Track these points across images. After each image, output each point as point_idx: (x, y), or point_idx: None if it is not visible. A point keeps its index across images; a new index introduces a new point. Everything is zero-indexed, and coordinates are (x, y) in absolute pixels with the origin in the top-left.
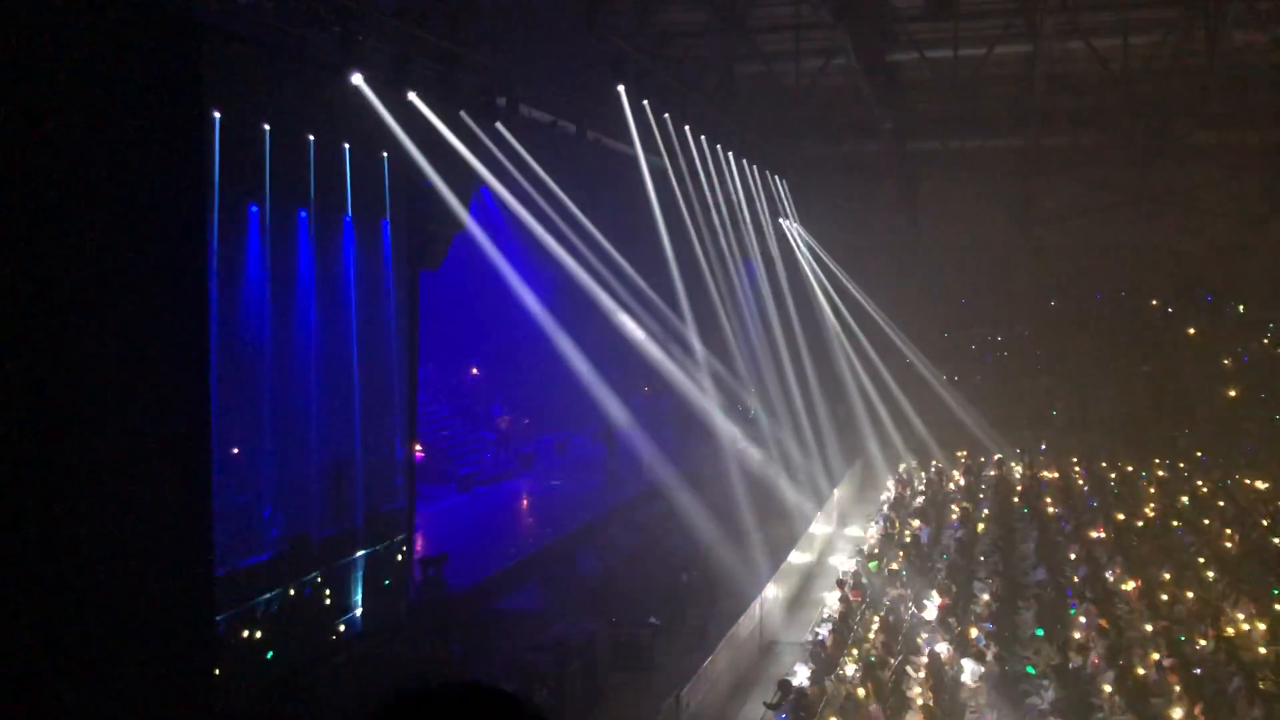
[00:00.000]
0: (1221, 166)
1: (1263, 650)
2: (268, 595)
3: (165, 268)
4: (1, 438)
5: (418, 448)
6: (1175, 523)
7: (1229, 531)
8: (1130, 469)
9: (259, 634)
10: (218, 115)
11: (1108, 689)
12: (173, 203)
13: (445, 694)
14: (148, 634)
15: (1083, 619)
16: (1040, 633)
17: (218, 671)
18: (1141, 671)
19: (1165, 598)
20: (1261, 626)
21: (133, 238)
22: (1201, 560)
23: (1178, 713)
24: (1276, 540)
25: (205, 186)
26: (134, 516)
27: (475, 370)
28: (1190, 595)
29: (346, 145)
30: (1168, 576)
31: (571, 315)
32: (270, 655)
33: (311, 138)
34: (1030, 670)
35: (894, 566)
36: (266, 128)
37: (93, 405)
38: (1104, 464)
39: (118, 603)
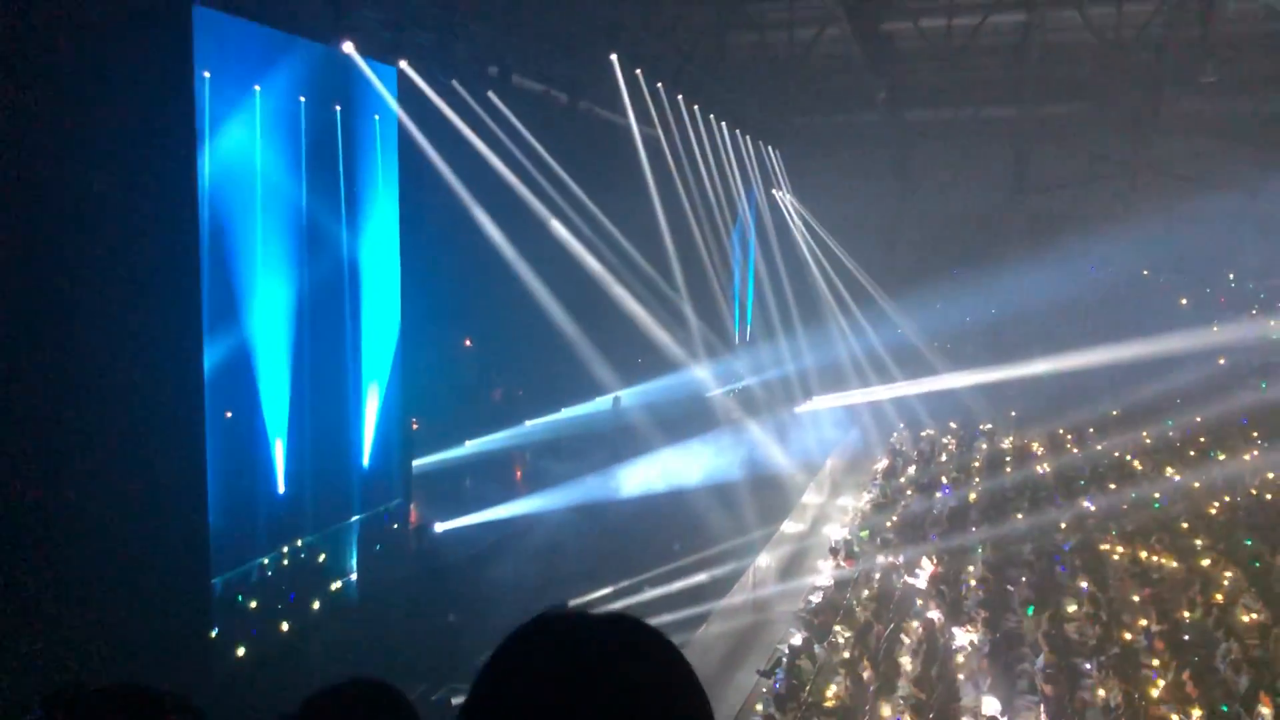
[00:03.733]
0: (1215, 136)
1: (1246, 619)
2: (263, 559)
3: (158, 230)
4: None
5: (413, 421)
6: (1163, 492)
7: (1216, 501)
8: (1121, 438)
9: (254, 598)
10: (207, 75)
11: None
12: (164, 165)
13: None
14: (143, 597)
15: (1074, 586)
16: (1030, 611)
17: (215, 634)
18: (1130, 638)
19: (1154, 565)
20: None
21: (125, 201)
22: (1189, 528)
23: (1165, 678)
24: (1263, 509)
25: (196, 150)
26: (128, 483)
27: (468, 342)
28: (1179, 564)
29: (338, 108)
30: (1157, 545)
31: (568, 286)
32: (267, 618)
33: (303, 100)
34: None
35: (886, 535)
36: (257, 88)
37: (88, 371)
38: (1094, 432)
39: (114, 566)
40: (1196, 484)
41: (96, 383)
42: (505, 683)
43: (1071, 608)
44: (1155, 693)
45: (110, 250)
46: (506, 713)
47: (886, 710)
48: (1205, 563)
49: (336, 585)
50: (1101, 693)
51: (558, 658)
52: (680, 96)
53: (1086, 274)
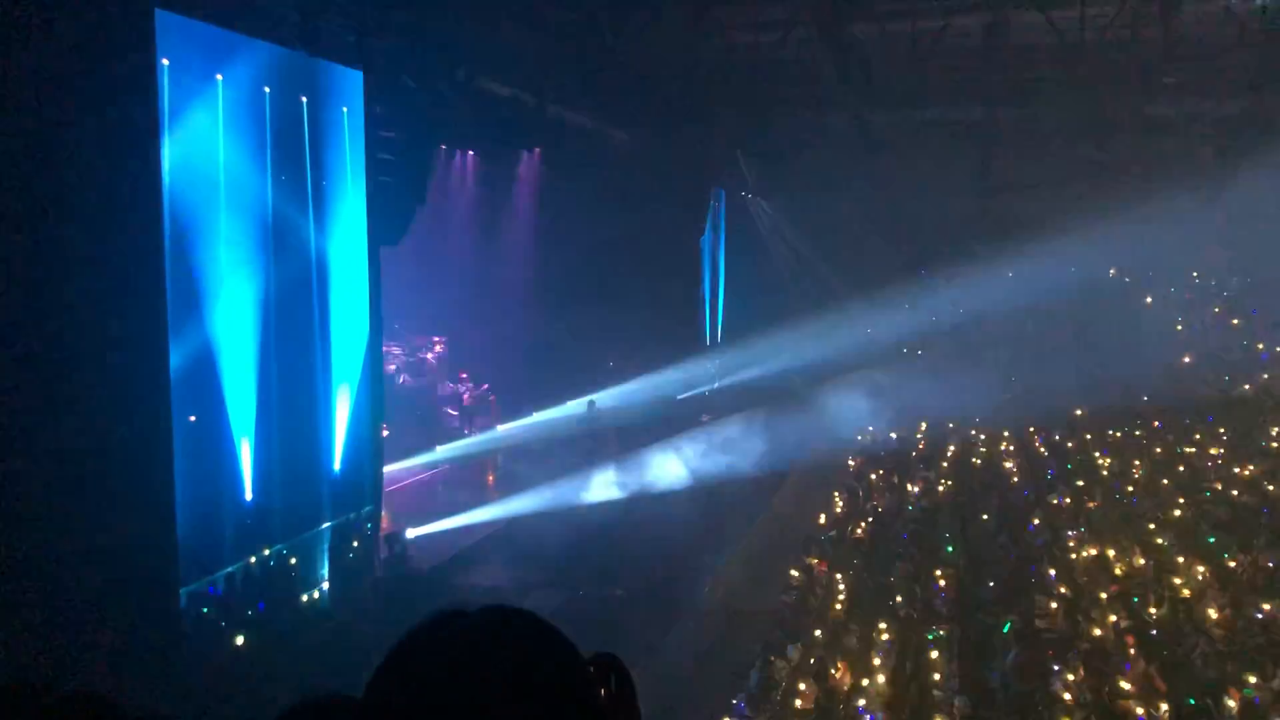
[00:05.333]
0: (1176, 138)
1: (1214, 613)
2: (231, 569)
3: (120, 226)
4: None
5: (383, 426)
6: (1130, 489)
7: (1183, 498)
8: (1088, 436)
9: (223, 608)
10: (166, 63)
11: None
12: (126, 160)
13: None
14: (110, 605)
15: (1044, 583)
16: (1006, 628)
17: (183, 644)
18: (1098, 633)
19: (1122, 561)
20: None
21: (85, 198)
22: (1156, 525)
23: (1134, 673)
24: (1229, 505)
25: (159, 144)
26: (92, 488)
27: (439, 346)
28: (1146, 560)
29: (304, 99)
30: (1125, 542)
31: (536, 289)
32: (237, 629)
33: (267, 90)
34: (1006, 629)
35: (858, 534)
36: (219, 77)
37: (48, 372)
38: (1062, 430)
39: (80, 574)
40: (1164, 481)
41: (57, 384)
42: (390, 695)
43: (1042, 606)
44: (1124, 687)
45: (70, 248)
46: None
47: (860, 709)
48: (1172, 558)
49: (307, 594)
50: (1071, 689)
51: (440, 663)
52: (650, 100)
53: (1052, 274)
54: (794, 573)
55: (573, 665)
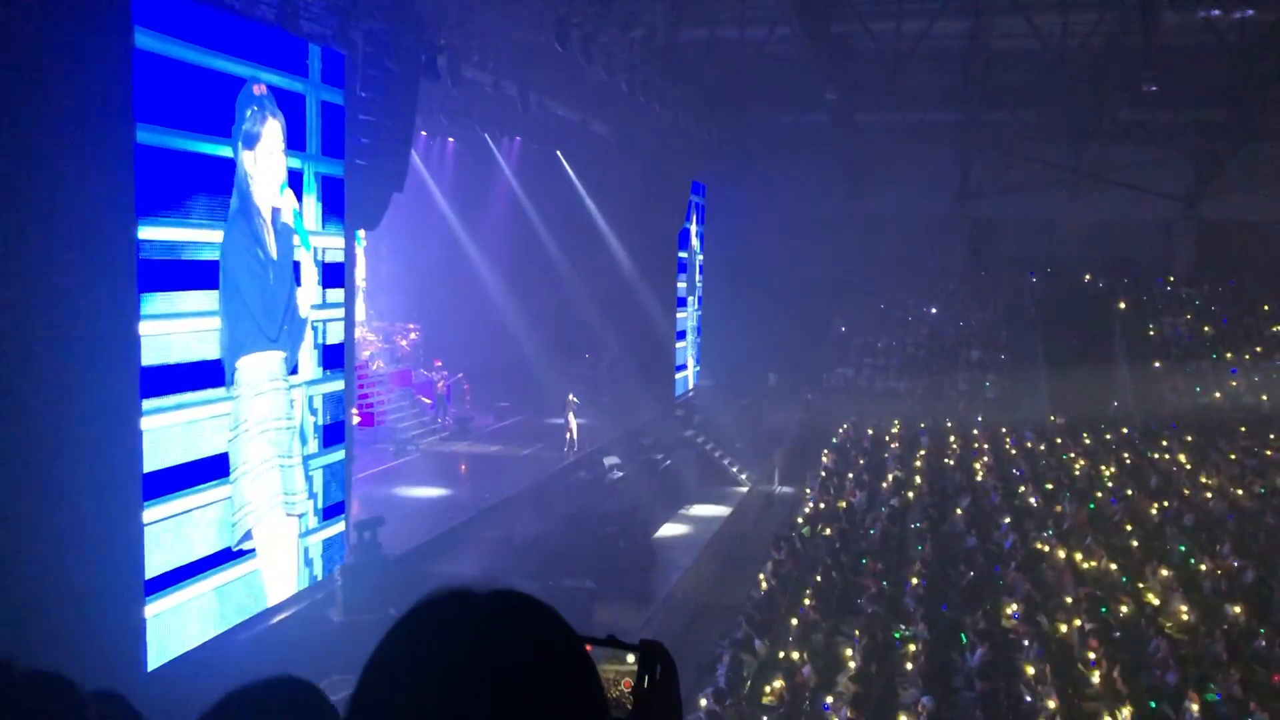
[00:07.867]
0: (1154, 145)
1: (1179, 617)
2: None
3: (89, 223)
4: None
5: (354, 411)
6: (1099, 493)
7: (1150, 503)
8: (1059, 440)
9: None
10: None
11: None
12: (97, 145)
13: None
14: (71, 591)
15: (1011, 585)
16: (964, 639)
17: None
18: (1064, 632)
19: (1089, 564)
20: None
21: (56, 187)
22: (1123, 529)
23: (1097, 675)
24: (1195, 510)
25: (132, 116)
26: (58, 479)
27: (414, 334)
28: (1113, 564)
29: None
30: (1092, 544)
31: (514, 279)
32: (202, 617)
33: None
34: (964, 638)
35: (828, 532)
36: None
37: (15, 367)
38: (1033, 434)
39: (39, 570)
40: (1132, 486)
41: (24, 378)
42: (391, 669)
43: (1009, 608)
44: (1088, 689)
45: (41, 236)
46: (392, 700)
47: (826, 706)
48: (1138, 562)
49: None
50: (1037, 689)
51: (443, 640)
52: (632, 92)
53: (1027, 279)
54: (763, 568)
55: (585, 659)
